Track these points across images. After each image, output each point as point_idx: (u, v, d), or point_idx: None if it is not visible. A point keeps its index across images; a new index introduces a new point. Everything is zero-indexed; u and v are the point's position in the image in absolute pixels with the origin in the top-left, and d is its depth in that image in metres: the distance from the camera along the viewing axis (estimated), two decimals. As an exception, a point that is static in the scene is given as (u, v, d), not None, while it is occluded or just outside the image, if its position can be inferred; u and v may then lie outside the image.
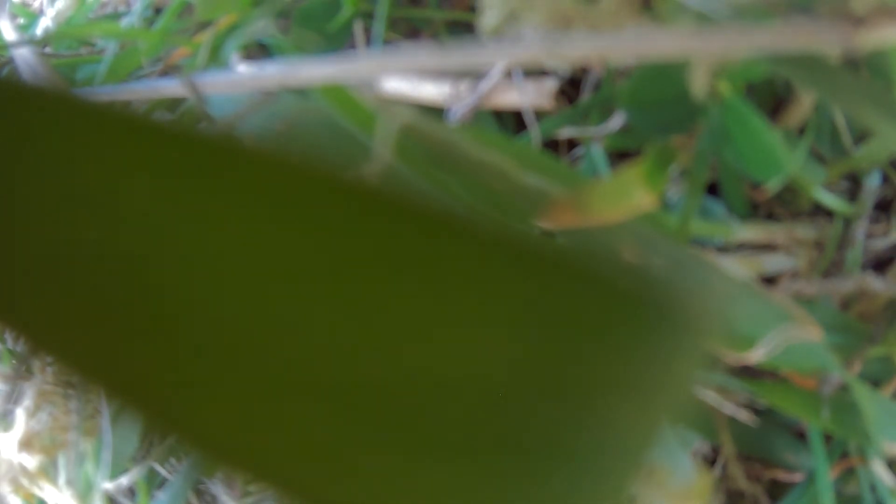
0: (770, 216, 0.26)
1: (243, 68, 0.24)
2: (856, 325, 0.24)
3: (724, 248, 0.25)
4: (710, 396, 0.25)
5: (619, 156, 0.27)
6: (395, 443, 0.07)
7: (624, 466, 0.09)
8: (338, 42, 0.28)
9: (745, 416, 0.25)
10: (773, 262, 0.25)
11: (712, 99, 0.22)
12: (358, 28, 0.28)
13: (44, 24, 0.32)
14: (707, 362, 0.10)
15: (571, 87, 0.28)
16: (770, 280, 0.25)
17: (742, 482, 0.25)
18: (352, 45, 0.28)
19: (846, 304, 0.25)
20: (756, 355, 0.22)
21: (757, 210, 0.26)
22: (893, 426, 0.23)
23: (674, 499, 0.21)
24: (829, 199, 0.25)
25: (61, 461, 0.29)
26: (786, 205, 0.26)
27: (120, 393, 0.07)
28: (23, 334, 0.07)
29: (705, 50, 0.18)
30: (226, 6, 0.27)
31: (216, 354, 0.07)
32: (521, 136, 0.27)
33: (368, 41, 0.28)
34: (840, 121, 0.25)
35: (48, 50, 0.31)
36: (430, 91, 0.27)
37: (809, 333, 0.22)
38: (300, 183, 0.07)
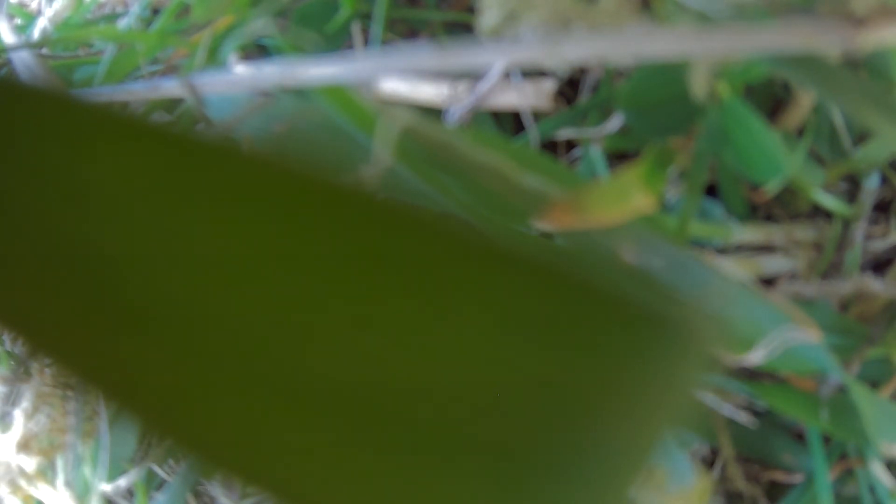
0: (769, 217, 0.26)
1: (241, 69, 0.24)
2: (854, 326, 0.24)
3: (722, 250, 0.25)
4: (709, 398, 0.25)
5: (618, 157, 0.27)
6: (393, 447, 0.07)
7: (624, 470, 0.09)
8: (336, 43, 0.28)
9: (743, 417, 0.25)
10: (772, 264, 0.25)
11: (711, 100, 0.22)
12: (356, 29, 0.28)
13: (41, 25, 0.32)
14: (707, 366, 0.10)
15: (570, 87, 0.28)
16: (769, 281, 0.25)
17: (741, 483, 0.25)
18: (350, 46, 0.28)
19: (845, 305, 0.25)
20: (755, 357, 0.22)
21: (756, 211, 0.26)
22: (892, 427, 0.23)
23: (673, 501, 0.21)
24: (828, 201, 0.25)
25: (59, 463, 0.29)
26: (785, 206, 0.26)
27: (118, 395, 0.07)
28: (21, 336, 0.07)
29: (705, 50, 0.18)
30: (223, 7, 0.27)
31: (213, 358, 0.07)
32: (519, 137, 0.27)
33: (366, 42, 0.28)
34: (839, 122, 0.25)
35: (46, 51, 0.31)
36: (429, 92, 0.27)
37: (808, 335, 0.22)
38: (296, 187, 0.07)
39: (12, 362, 0.29)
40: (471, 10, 0.28)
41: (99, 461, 0.28)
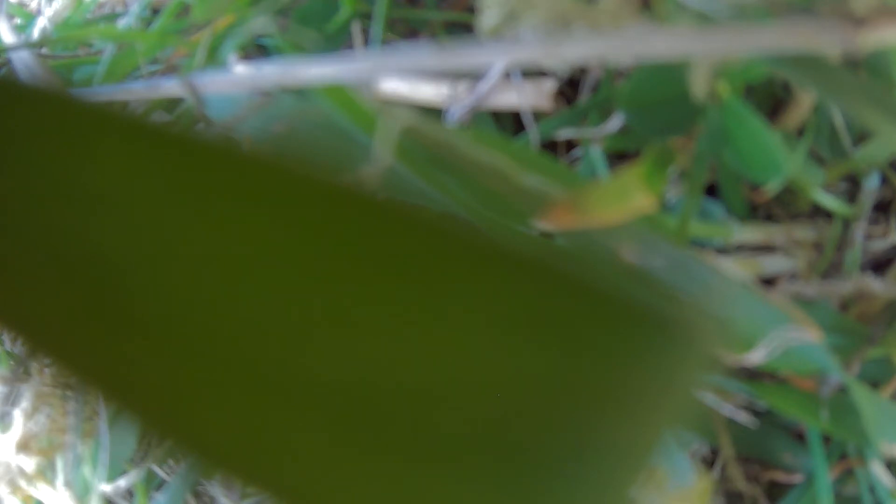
0: (769, 217, 0.26)
1: (241, 68, 0.24)
2: (855, 326, 0.24)
3: (723, 250, 0.25)
4: (709, 398, 0.25)
5: (618, 157, 0.27)
6: (393, 449, 0.07)
7: (625, 471, 0.09)
8: (336, 42, 0.28)
9: (744, 417, 0.25)
10: (773, 264, 0.25)
11: (711, 100, 0.22)
12: (356, 29, 0.28)
13: (41, 25, 0.32)
14: (708, 366, 0.10)
15: (570, 87, 0.28)
16: (769, 281, 0.25)
17: (741, 483, 0.25)
18: (350, 46, 0.28)
19: (845, 305, 0.25)
20: (755, 357, 0.22)
21: (756, 211, 0.26)
22: (892, 427, 0.23)
23: (673, 501, 0.21)
24: (829, 201, 0.25)
25: (59, 463, 0.29)
26: (785, 206, 0.26)
27: (118, 395, 0.07)
28: (21, 336, 0.07)
29: (705, 50, 0.18)
30: (223, 6, 0.27)
31: (213, 357, 0.07)
32: (519, 137, 0.27)
33: (366, 42, 0.28)
34: (839, 122, 0.25)
35: (45, 51, 0.31)
36: (429, 92, 0.27)
37: (808, 335, 0.22)
38: (296, 187, 0.07)
39: (12, 362, 0.29)
40: (471, 10, 0.28)
41: (99, 461, 0.28)
